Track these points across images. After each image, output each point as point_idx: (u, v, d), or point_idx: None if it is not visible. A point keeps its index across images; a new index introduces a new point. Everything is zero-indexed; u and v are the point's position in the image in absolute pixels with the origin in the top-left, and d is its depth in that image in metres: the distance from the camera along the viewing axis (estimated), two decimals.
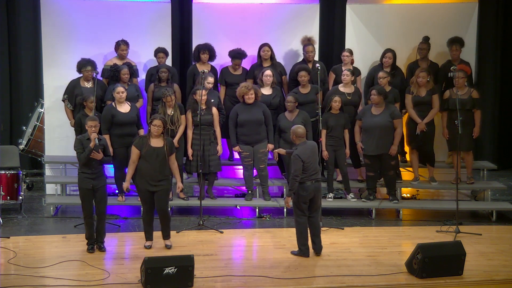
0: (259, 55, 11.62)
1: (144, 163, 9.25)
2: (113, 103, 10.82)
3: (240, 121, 10.97)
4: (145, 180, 9.25)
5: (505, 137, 13.99)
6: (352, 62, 11.73)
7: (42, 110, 12.16)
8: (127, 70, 11.17)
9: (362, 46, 12.05)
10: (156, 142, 9.28)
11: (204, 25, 12.04)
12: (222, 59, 11.84)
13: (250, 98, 10.90)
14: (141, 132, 10.90)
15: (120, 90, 10.70)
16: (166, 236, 9.48)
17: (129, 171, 9.42)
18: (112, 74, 11.25)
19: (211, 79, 11.12)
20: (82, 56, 11.36)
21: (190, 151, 10.93)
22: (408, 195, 12.02)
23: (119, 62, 11.45)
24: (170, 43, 12.02)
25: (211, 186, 11.22)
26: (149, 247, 9.42)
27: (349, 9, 12.26)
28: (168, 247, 9.43)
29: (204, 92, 10.78)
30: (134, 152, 9.31)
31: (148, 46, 11.82)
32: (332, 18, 12.98)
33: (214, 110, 10.96)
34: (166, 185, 9.35)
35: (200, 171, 10.68)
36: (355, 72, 11.62)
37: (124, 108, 10.79)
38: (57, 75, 11.86)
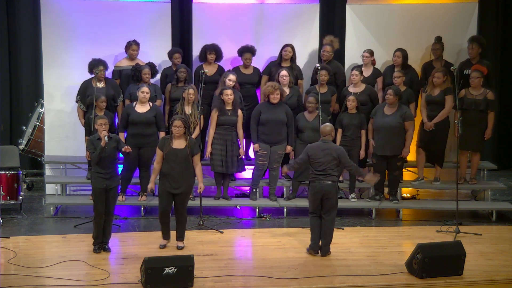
0: (280, 54, 11.60)
1: (165, 164, 9.22)
2: (134, 103, 10.83)
3: (262, 120, 10.95)
4: (166, 180, 9.22)
5: (505, 137, 14.00)
6: (373, 63, 11.71)
7: (42, 110, 12.15)
8: (149, 70, 11.18)
9: (362, 46, 12.03)
10: (178, 144, 9.25)
11: (204, 25, 12.04)
12: (223, 59, 11.84)
13: (275, 98, 10.87)
14: (161, 134, 10.86)
15: (145, 90, 10.72)
16: (180, 237, 9.45)
17: (154, 172, 9.43)
18: (133, 74, 11.25)
19: (232, 77, 11.10)
20: (82, 56, 11.40)
21: (209, 149, 10.90)
22: (408, 195, 12.02)
23: (129, 63, 11.47)
24: (170, 43, 12.02)
25: (227, 189, 11.21)
26: (164, 247, 9.40)
27: (349, 9, 12.26)
28: (179, 248, 9.39)
29: (230, 92, 10.81)
30: (158, 153, 9.31)
31: (148, 46, 11.82)
32: (332, 18, 12.98)
33: (240, 112, 10.95)
34: (187, 188, 9.31)
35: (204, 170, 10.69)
36: (376, 73, 11.63)
37: (143, 108, 10.79)
38: (57, 75, 11.87)
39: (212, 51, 11.51)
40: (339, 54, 12.25)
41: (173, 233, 9.51)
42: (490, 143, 13.66)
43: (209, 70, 11.20)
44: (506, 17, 13.56)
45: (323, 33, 12.20)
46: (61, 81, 11.74)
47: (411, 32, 12.10)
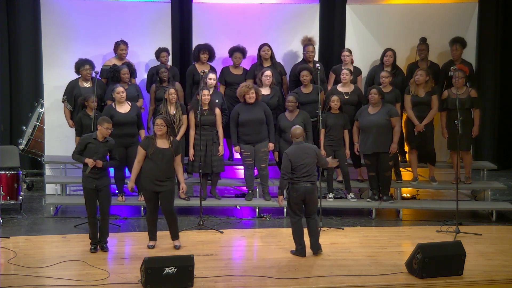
0: (259, 55, 11.63)
1: (150, 163, 9.23)
2: (113, 104, 10.83)
3: (241, 121, 10.97)
4: (150, 180, 9.23)
5: (505, 137, 14.00)
6: (352, 62, 11.73)
7: (42, 110, 12.16)
8: (127, 70, 11.18)
9: (362, 46, 12.05)
10: (162, 143, 9.27)
11: (204, 25, 12.05)
12: (222, 59, 11.84)
13: (251, 97, 10.90)
14: (142, 132, 10.91)
15: (120, 90, 10.72)
16: (174, 236, 9.46)
17: (134, 171, 9.41)
18: (112, 74, 11.25)
19: (212, 75, 11.12)
20: (82, 56, 11.36)
21: (191, 152, 10.93)
22: (408, 195, 12.02)
23: (118, 62, 11.45)
24: (170, 43, 12.02)
25: (214, 186, 11.23)
26: (152, 247, 9.41)
27: (349, 9, 12.26)
28: (176, 247, 9.40)
29: (207, 92, 10.80)
30: (140, 152, 9.30)
31: (148, 46, 11.83)
32: (332, 18, 12.99)
33: (217, 111, 10.95)
34: (170, 186, 9.33)
35: (200, 171, 10.67)
36: (356, 71, 11.63)
37: (124, 108, 10.80)
38: (57, 75, 11.87)
39: (205, 51, 11.51)
40: (338, 54, 12.23)
41: (162, 234, 9.51)
42: (490, 143, 13.69)
43: (202, 69, 11.15)
44: (506, 17, 13.57)
45: (323, 33, 12.21)
46: (61, 81, 11.72)
47: (411, 32, 12.09)
